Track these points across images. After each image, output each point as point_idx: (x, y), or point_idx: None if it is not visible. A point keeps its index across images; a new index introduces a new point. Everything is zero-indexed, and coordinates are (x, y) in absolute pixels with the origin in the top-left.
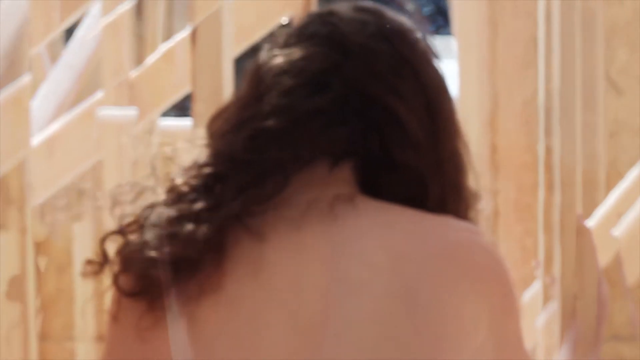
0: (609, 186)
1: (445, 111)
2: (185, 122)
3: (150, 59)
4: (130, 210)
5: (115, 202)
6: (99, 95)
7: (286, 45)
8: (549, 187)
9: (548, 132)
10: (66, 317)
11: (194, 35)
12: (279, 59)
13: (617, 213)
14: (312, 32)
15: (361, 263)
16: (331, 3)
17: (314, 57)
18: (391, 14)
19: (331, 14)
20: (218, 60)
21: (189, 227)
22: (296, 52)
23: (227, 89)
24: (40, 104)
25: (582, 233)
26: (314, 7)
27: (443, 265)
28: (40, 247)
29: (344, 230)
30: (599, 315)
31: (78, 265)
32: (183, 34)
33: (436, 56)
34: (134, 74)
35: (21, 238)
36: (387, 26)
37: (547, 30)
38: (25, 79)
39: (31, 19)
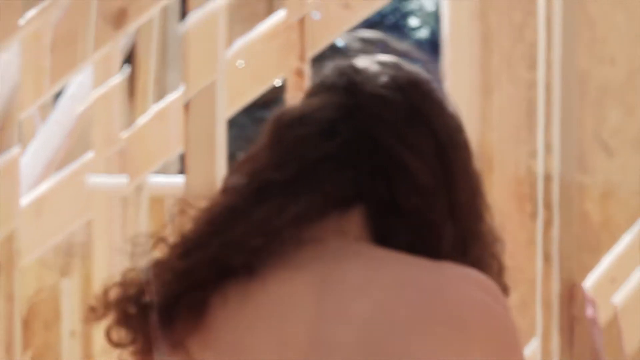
0: (602, 249)
1: (459, 159)
2: (175, 179)
3: (142, 120)
4: (143, 261)
5: (133, 252)
6: (89, 155)
7: (307, 97)
8: (547, 260)
9: (547, 205)
10: None
11: (187, 106)
12: (294, 110)
13: (611, 278)
14: (330, 84)
15: (345, 323)
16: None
17: (327, 107)
18: (408, 66)
19: (350, 66)
20: (212, 125)
21: (182, 268)
22: (311, 103)
23: (220, 150)
24: (30, 161)
25: (585, 320)
26: (307, 69)
27: (421, 316)
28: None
29: (336, 285)
30: None
31: (66, 321)
32: (175, 95)
33: (452, 107)
34: (125, 134)
35: (9, 304)
36: (401, 76)
37: (547, 96)
38: (15, 151)
39: (21, 85)
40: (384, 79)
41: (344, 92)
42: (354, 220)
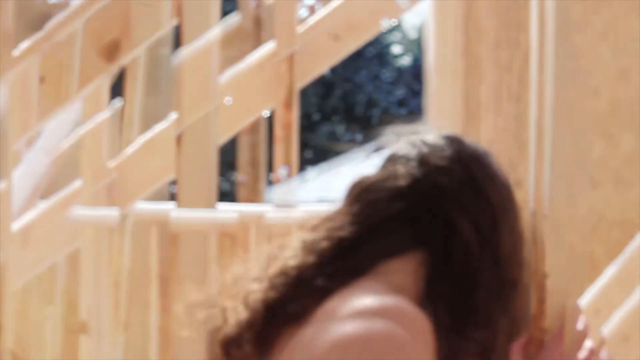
0: (585, 281)
1: (507, 221)
2: (160, 206)
3: (130, 149)
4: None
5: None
6: (76, 185)
7: (384, 165)
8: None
9: (536, 240)
10: None
11: (180, 136)
12: (371, 177)
13: (595, 310)
14: (403, 154)
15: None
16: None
17: (398, 176)
18: (469, 140)
19: (420, 140)
20: (204, 155)
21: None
22: (386, 171)
23: (212, 178)
24: (16, 187)
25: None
26: (296, 101)
27: (312, 345)
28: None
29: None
30: None
31: (50, 349)
32: (163, 124)
33: (504, 175)
34: (113, 163)
35: None
36: (464, 150)
37: (538, 132)
38: (4, 183)
39: (10, 117)
40: (448, 152)
41: (415, 162)
42: (405, 265)
